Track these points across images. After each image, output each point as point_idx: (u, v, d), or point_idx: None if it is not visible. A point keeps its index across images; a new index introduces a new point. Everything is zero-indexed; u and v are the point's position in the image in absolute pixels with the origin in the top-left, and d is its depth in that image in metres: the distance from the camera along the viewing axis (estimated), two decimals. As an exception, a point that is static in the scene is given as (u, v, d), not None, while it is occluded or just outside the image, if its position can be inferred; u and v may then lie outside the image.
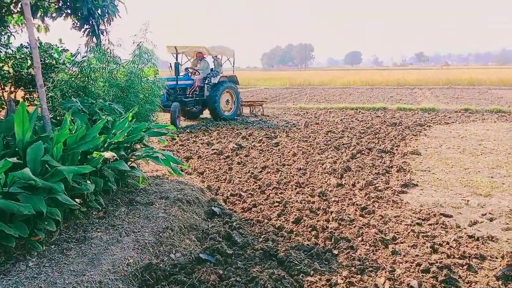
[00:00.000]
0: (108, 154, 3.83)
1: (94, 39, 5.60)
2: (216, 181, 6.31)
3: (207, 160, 7.69)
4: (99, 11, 5.34)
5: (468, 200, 5.34)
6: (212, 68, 13.70)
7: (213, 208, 4.98)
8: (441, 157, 7.81)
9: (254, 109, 15.48)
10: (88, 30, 5.50)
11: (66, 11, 5.58)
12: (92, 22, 5.35)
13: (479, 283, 3.28)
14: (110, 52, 5.85)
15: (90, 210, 4.23)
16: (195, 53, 13.55)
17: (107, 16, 5.31)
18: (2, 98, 6.49)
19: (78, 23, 5.54)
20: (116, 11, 5.41)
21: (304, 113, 15.30)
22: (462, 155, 7.99)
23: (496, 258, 3.71)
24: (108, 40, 5.78)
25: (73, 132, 3.78)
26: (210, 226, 4.49)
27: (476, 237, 4.14)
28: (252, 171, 6.82)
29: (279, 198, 5.42)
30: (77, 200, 4.03)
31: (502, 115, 13.67)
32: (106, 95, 5.53)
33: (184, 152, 8.32)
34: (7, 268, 3.06)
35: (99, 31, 5.52)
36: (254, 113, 15.19)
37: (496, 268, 3.50)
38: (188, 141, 9.60)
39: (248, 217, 4.79)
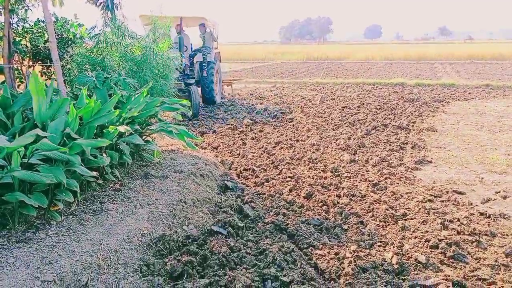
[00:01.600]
0: (122, 128, 3.90)
1: (109, 13, 5.61)
2: (229, 156, 6.38)
3: (221, 135, 7.75)
4: (114, -15, 5.34)
5: (482, 178, 5.29)
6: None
7: (226, 182, 5.06)
8: (458, 134, 7.69)
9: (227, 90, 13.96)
10: (102, 4, 5.51)
11: (81, -15, 5.59)
12: (107, -5, 5.36)
13: (488, 259, 3.29)
14: (125, 27, 5.86)
15: (106, 182, 4.35)
16: (198, 25, 11.38)
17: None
18: (21, 72, 6.62)
19: (93, -4, 5.55)
20: (129, -15, 5.40)
21: (320, 88, 15.14)
22: (480, 132, 7.86)
23: (507, 235, 3.71)
24: (123, 15, 5.78)
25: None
26: (223, 199, 4.58)
27: (487, 215, 4.13)
28: (266, 146, 6.86)
29: (291, 173, 5.46)
30: (93, 172, 4.15)
31: (525, 91, 13.28)
32: (122, 69, 5.58)
33: (199, 127, 8.39)
34: (28, 236, 3.20)
35: (113, 5, 5.52)
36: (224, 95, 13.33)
37: (506, 245, 3.50)
38: (203, 116, 9.66)
39: (260, 192, 4.86)
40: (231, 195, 4.75)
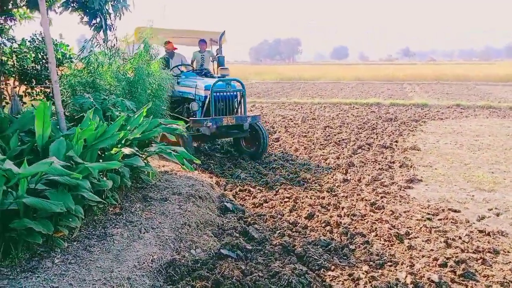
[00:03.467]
0: (127, 150, 3.82)
1: (102, 34, 5.53)
2: (222, 177, 6.33)
3: (210, 155, 7.69)
4: (108, 6, 5.28)
5: (473, 196, 5.46)
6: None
7: (225, 203, 5.00)
8: (441, 153, 7.94)
9: None
10: (95, 25, 5.43)
11: (73, 5, 5.49)
12: (100, 17, 5.28)
13: (496, 276, 3.37)
14: (117, 49, 5.79)
15: (106, 206, 4.21)
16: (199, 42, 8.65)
17: (121, 9, 5.23)
18: (6, 92, 6.38)
19: (86, 17, 5.46)
20: (127, 6, 5.35)
21: (299, 108, 15.35)
22: (461, 150, 8.14)
23: (509, 252, 3.82)
24: (115, 36, 5.71)
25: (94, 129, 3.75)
26: (225, 221, 4.51)
27: (486, 232, 4.25)
28: (258, 167, 6.84)
29: (288, 193, 5.46)
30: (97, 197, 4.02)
31: (493, 111, 13.91)
32: (115, 90, 5.48)
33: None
34: (33, 265, 3.04)
35: (107, 26, 5.45)
36: None
37: (510, 262, 3.61)
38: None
39: (260, 213, 4.83)
40: (232, 217, 4.69)
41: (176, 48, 8.29)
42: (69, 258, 3.18)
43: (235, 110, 7.25)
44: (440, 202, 5.25)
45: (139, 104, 5.49)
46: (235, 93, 7.17)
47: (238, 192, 5.59)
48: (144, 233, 3.76)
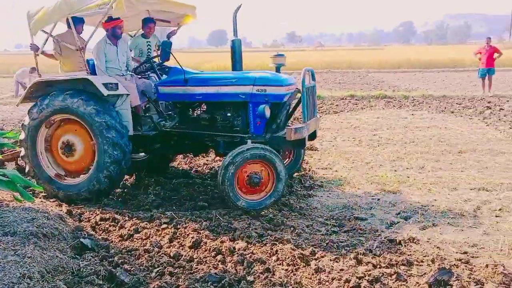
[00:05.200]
0: None
1: None
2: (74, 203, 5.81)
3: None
4: None
5: (378, 199, 5.83)
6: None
7: (81, 240, 4.53)
8: (340, 152, 8.40)
9: None
10: None
11: None
12: None
13: (413, 293, 3.57)
14: None
15: None
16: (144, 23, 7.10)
17: None
18: None
19: None
20: None
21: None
22: (360, 147, 8.73)
23: (422, 261, 4.09)
24: None
25: None
26: (82, 265, 4.05)
27: (397, 241, 4.52)
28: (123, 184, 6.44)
29: (166, 217, 5.18)
30: None
31: (389, 101, 15.33)
32: None
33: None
34: None
35: None
36: None
37: (425, 273, 3.85)
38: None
39: (131, 247, 4.49)
40: (93, 257, 4.25)
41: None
42: None
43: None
44: (344, 211, 5.48)
45: None
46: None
47: (99, 222, 5.16)
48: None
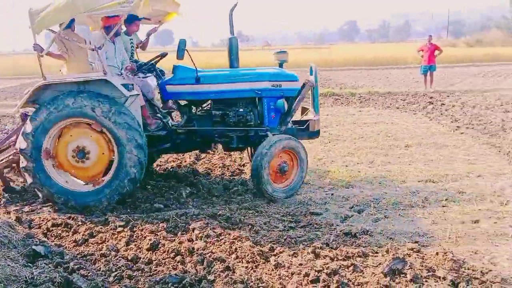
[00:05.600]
0: None
1: None
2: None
3: None
4: None
5: (332, 194, 5.96)
6: None
7: (33, 247, 4.37)
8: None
9: None
10: None
11: None
12: None
13: (370, 283, 3.68)
14: None
15: None
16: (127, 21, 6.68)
17: None
18: None
19: None
20: None
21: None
22: (312, 144, 8.83)
23: (376, 253, 4.23)
24: None
25: None
26: (36, 273, 3.90)
27: (352, 233, 4.65)
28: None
29: (122, 220, 5.09)
30: None
31: (337, 98, 15.69)
32: None
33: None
34: None
35: None
36: None
37: (380, 264, 3.98)
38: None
39: (87, 252, 4.37)
40: (46, 264, 4.10)
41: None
42: None
43: None
44: (300, 206, 5.58)
45: None
46: None
47: (51, 228, 5.00)
48: None
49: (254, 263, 4.09)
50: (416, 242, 4.50)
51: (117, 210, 5.54)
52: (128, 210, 5.57)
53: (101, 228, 4.94)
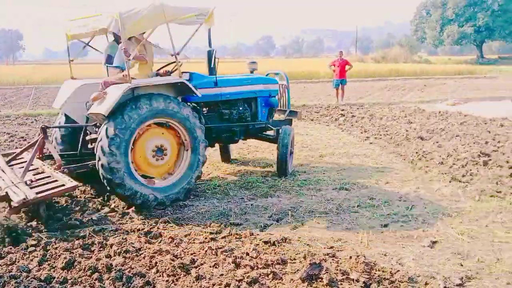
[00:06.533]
0: None
1: None
2: None
3: None
4: None
5: (252, 204, 6.06)
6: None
7: None
8: (212, 161, 8.53)
9: None
10: None
11: None
12: None
13: (288, 289, 3.78)
14: None
15: None
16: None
17: None
18: None
19: None
20: None
21: (32, 122, 13.94)
22: (233, 155, 8.94)
23: (295, 259, 4.35)
24: None
25: None
26: None
27: (271, 242, 4.74)
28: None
29: (33, 239, 4.82)
30: None
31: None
32: None
33: None
34: None
35: None
36: None
37: (298, 270, 4.10)
38: None
39: (-6, 275, 4.09)
40: (-52, 290, 3.80)
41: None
42: None
43: None
44: (221, 217, 5.61)
45: None
46: None
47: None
48: None
49: (175, 276, 4.04)
50: (331, 247, 4.69)
51: (28, 228, 5.22)
52: (41, 228, 5.28)
53: (10, 248, 4.63)
